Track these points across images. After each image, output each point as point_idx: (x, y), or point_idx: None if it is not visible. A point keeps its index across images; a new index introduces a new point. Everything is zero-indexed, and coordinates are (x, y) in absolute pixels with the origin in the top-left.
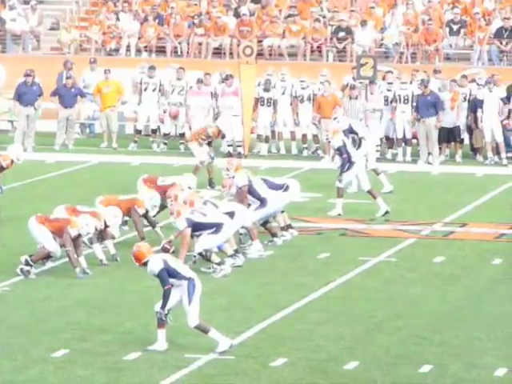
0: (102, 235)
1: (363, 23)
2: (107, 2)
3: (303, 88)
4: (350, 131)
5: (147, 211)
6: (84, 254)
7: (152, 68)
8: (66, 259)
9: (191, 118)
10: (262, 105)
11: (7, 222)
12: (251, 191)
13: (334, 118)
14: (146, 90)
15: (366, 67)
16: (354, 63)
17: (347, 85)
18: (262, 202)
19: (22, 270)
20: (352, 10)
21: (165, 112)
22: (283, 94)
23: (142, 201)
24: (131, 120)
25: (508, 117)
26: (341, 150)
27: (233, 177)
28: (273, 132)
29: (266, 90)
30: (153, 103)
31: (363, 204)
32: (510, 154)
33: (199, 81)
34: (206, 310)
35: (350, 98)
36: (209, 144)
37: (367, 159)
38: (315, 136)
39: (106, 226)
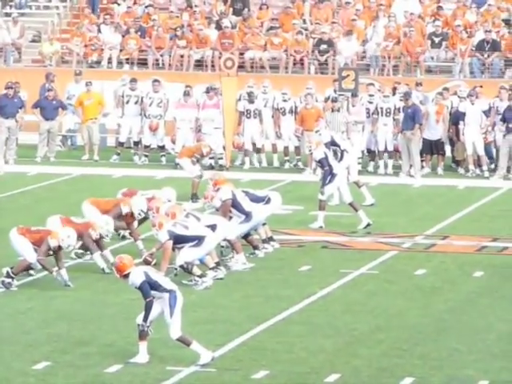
0: (98, 245)
1: (349, 33)
2: (89, 14)
3: (285, 100)
4: (332, 144)
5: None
6: (67, 265)
7: (134, 81)
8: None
9: (177, 131)
10: (249, 117)
11: None
12: (235, 205)
13: (316, 131)
14: (128, 102)
15: (348, 80)
16: (336, 76)
17: (329, 97)
18: (247, 216)
19: (3, 282)
20: (334, 22)
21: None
22: (265, 106)
23: (129, 201)
24: (113, 132)
25: (487, 131)
26: (322, 163)
27: (217, 190)
28: (253, 144)
29: (251, 101)
30: (135, 115)
31: (345, 216)
32: (491, 166)
33: (185, 93)
34: (188, 322)
35: (332, 111)
36: (198, 161)
37: (349, 172)
38: (297, 148)
39: (101, 237)
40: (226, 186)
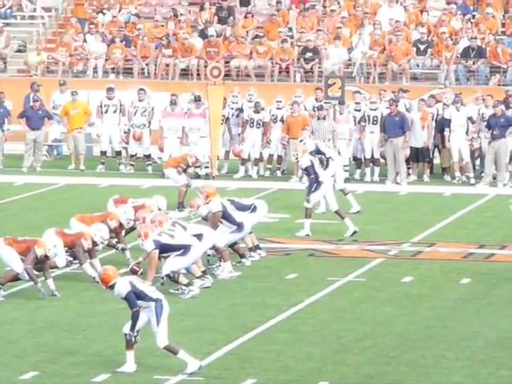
0: (89, 254)
1: (336, 38)
2: (74, 24)
3: (279, 108)
4: (317, 152)
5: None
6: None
7: (110, 89)
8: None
9: (163, 140)
10: (252, 126)
11: None
12: (226, 216)
13: (301, 141)
14: (106, 112)
15: (334, 88)
16: (321, 84)
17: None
18: (239, 226)
19: None
20: (319, 30)
21: (125, 133)
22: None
23: (115, 215)
24: (98, 142)
25: (473, 138)
26: (308, 171)
27: (208, 202)
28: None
29: (257, 111)
30: (114, 124)
31: (331, 224)
32: (482, 175)
33: (172, 102)
34: (175, 331)
35: (318, 119)
36: (184, 171)
37: (335, 179)
38: (279, 157)
39: (95, 245)
40: (216, 198)
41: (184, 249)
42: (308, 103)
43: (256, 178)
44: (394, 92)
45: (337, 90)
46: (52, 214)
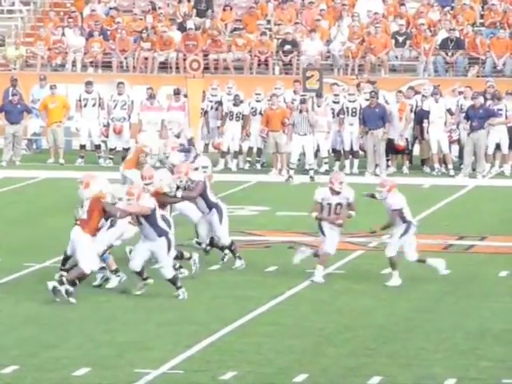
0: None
1: (312, 31)
2: (52, 17)
3: (258, 101)
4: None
5: None
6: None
7: (89, 83)
8: (17, 275)
9: (142, 134)
10: (231, 119)
11: None
12: (204, 196)
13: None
14: (85, 105)
15: (312, 80)
16: (300, 76)
17: (303, 100)
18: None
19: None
20: (297, 23)
21: (105, 126)
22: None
23: None
24: (77, 135)
25: (451, 129)
26: None
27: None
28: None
29: (236, 104)
30: (93, 118)
31: (310, 217)
32: (462, 166)
33: (150, 96)
34: (156, 323)
35: (301, 112)
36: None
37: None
38: (259, 149)
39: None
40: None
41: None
42: (287, 96)
43: (235, 171)
44: (372, 83)
45: (315, 83)
46: (32, 207)
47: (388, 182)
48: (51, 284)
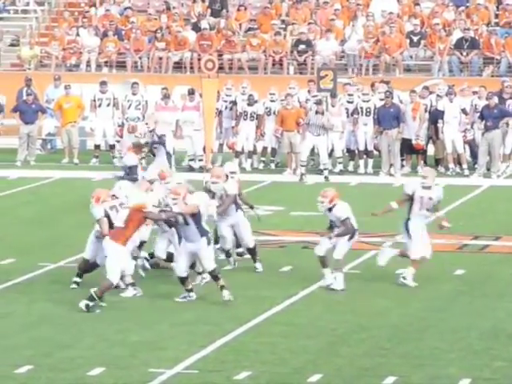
0: None
1: (327, 31)
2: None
3: (272, 101)
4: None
5: None
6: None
7: (104, 83)
8: (31, 275)
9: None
10: (245, 119)
11: None
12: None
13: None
14: (100, 105)
15: (326, 80)
16: (314, 76)
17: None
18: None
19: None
20: (312, 23)
21: (119, 126)
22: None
23: None
24: (92, 135)
25: (466, 129)
26: None
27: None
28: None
29: (250, 104)
30: (108, 118)
31: (324, 216)
32: (475, 166)
33: (165, 96)
34: (170, 324)
35: (317, 113)
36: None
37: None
38: (273, 149)
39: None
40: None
41: None
42: (301, 95)
43: (250, 171)
44: (387, 83)
45: (329, 83)
46: (46, 207)
47: (329, 193)
48: (83, 304)
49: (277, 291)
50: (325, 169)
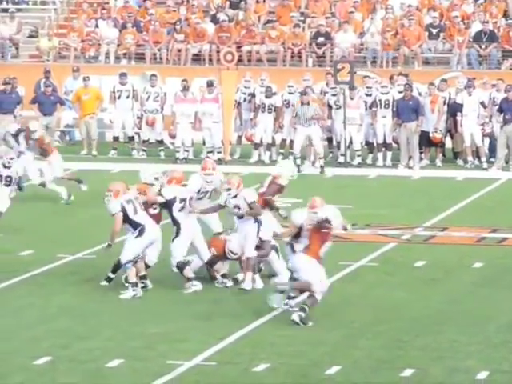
0: None
1: (345, 23)
2: (86, 9)
3: (291, 93)
4: None
5: None
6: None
7: (123, 75)
8: (50, 266)
9: (176, 126)
10: (263, 111)
11: None
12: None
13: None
14: (119, 97)
15: (343, 72)
16: (331, 68)
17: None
18: None
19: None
20: (330, 15)
21: (138, 118)
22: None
23: None
24: (110, 127)
25: (485, 122)
26: None
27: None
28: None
29: (268, 96)
30: (127, 110)
31: (343, 209)
32: (492, 159)
33: (184, 88)
34: (188, 316)
35: (302, 104)
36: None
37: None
38: (292, 141)
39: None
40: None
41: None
42: (316, 88)
43: (269, 163)
44: (405, 76)
45: (346, 75)
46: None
47: (234, 180)
48: (296, 316)
49: None
50: (320, 158)
